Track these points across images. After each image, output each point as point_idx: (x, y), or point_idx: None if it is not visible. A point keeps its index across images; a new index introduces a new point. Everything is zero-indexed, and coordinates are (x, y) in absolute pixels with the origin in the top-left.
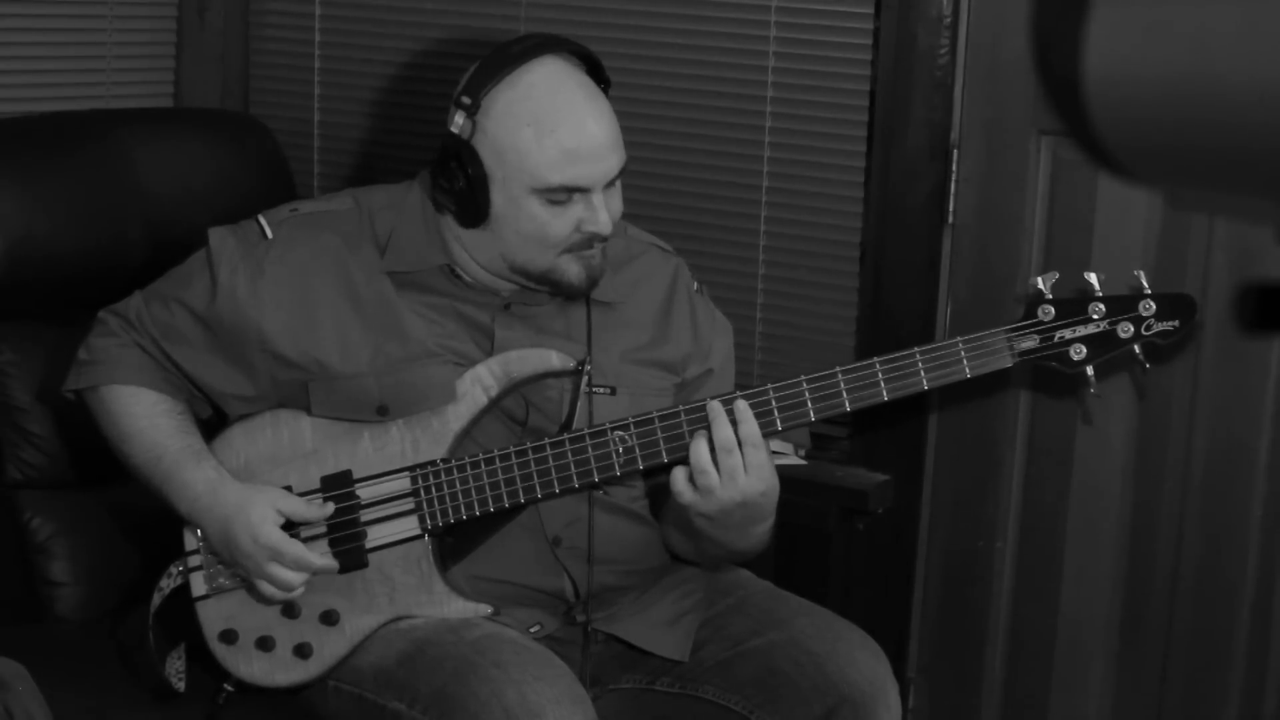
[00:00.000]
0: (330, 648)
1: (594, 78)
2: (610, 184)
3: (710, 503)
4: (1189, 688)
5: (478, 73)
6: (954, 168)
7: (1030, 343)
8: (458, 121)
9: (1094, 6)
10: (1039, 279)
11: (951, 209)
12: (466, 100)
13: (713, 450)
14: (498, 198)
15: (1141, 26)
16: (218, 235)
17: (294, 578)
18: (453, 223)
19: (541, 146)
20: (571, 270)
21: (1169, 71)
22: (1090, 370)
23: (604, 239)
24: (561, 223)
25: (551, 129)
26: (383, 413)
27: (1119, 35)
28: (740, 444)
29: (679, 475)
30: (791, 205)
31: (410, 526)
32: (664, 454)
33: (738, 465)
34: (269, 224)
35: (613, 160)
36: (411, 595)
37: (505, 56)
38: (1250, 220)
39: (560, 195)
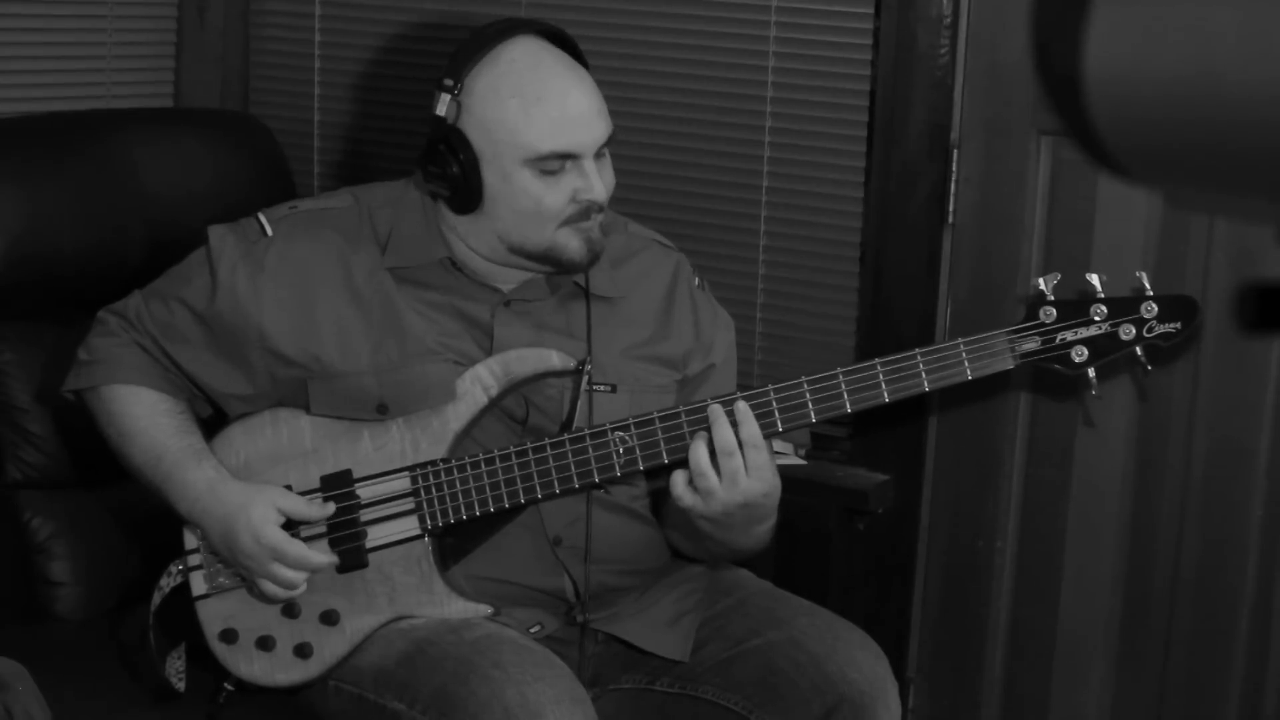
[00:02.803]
0: (330, 647)
1: (574, 57)
2: (600, 154)
3: (712, 505)
4: (1189, 688)
5: (457, 56)
6: (954, 168)
7: (1032, 344)
8: (442, 105)
9: (1094, 6)
10: (1040, 280)
11: (951, 209)
12: (449, 83)
13: (713, 452)
14: (490, 176)
15: (1142, 26)
16: (217, 233)
17: (296, 576)
18: (449, 213)
19: (528, 116)
20: (571, 244)
21: (1169, 71)
22: (1092, 372)
23: (600, 207)
24: (556, 193)
25: (536, 98)
26: (382, 411)
27: (1119, 35)
28: (741, 445)
29: (679, 479)
30: (791, 205)
31: (410, 526)
32: (664, 454)
33: (739, 467)
34: (268, 221)
35: (600, 126)
36: (411, 595)
37: (483, 37)
38: (1250, 220)
39: (553, 164)
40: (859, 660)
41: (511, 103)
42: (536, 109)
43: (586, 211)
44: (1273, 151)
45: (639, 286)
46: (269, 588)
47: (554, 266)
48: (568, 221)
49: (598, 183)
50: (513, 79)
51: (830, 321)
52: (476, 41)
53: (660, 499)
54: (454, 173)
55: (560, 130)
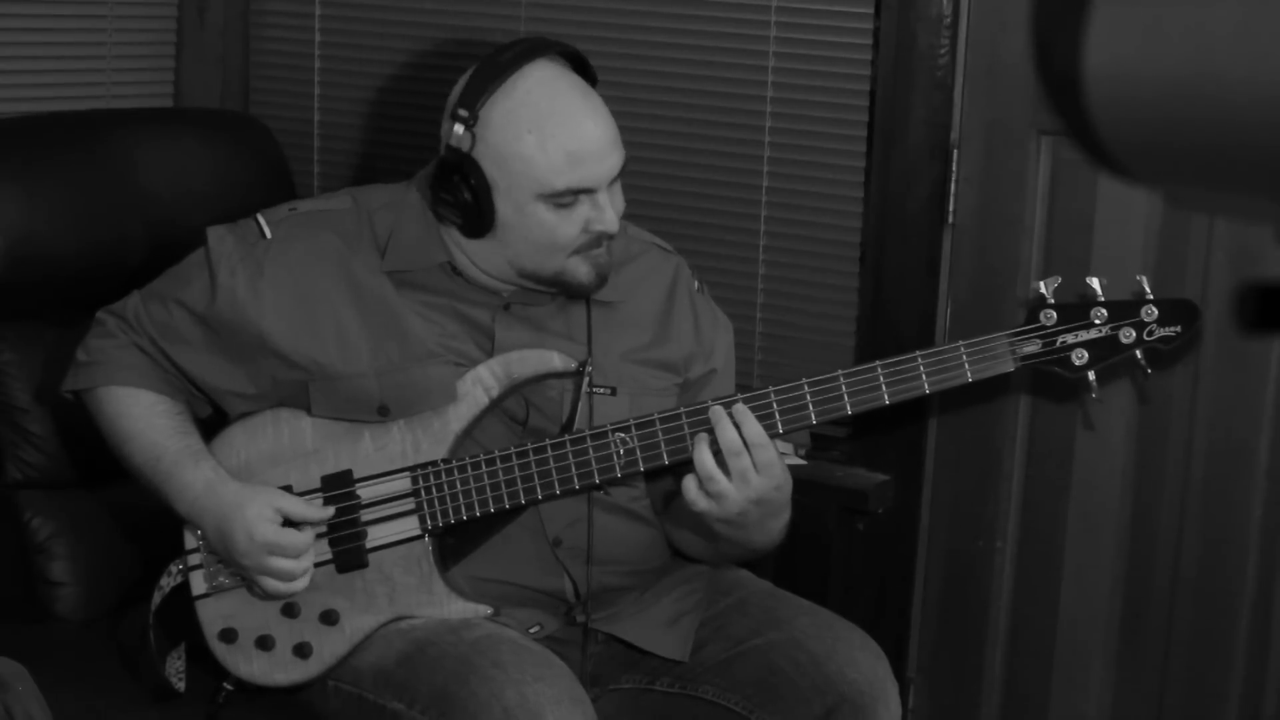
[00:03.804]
0: (330, 647)
1: (583, 76)
2: (612, 182)
3: (726, 507)
4: (1189, 688)
5: (471, 84)
6: (954, 168)
7: (1032, 347)
8: (456, 134)
9: (1094, 6)
10: (1041, 283)
11: (951, 209)
12: (463, 113)
13: (718, 455)
14: (504, 207)
15: (1142, 26)
16: (216, 235)
17: (294, 567)
18: (456, 234)
19: (545, 152)
20: (581, 271)
21: (1169, 71)
22: (1092, 375)
23: (611, 237)
24: (569, 225)
25: (553, 133)
26: (383, 413)
27: (1119, 34)
28: (747, 445)
29: (691, 484)
30: (791, 205)
31: (410, 527)
32: (665, 456)
33: (747, 466)
34: (268, 223)
35: (614, 158)
36: (411, 595)
37: (496, 66)
38: (1250, 220)
39: (567, 198)
40: (859, 660)
41: (528, 138)
42: (553, 144)
43: (598, 240)
44: (1273, 151)
45: (639, 290)
46: (269, 584)
47: (562, 290)
48: (579, 250)
49: (610, 214)
50: (528, 111)
51: (830, 321)
52: (490, 69)
53: (668, 501)
54: (466, 200)
55: (576, 166)
